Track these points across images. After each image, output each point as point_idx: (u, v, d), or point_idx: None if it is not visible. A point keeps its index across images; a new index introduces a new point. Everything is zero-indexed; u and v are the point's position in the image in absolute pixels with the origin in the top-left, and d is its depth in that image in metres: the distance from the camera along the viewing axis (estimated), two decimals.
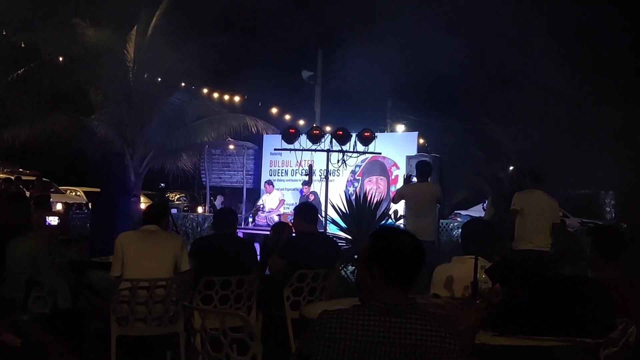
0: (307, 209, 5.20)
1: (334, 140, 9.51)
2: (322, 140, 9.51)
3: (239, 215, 13.93)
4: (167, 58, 15.59)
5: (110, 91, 15.33)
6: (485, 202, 9.67)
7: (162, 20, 15.35)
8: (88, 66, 14.72)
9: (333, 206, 8.61)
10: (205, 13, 16.79)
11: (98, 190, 10.71)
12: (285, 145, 9.68)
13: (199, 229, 13.49)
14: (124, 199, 9.48)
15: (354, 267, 7.75)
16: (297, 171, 13.21)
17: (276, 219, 10.83)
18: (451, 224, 12.71)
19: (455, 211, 17.89)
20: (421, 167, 7.60)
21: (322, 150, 9.66)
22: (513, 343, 2.50)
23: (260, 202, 12.22)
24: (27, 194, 11.73)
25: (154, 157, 15.88)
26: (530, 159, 17.39)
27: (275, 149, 11.41)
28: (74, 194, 20.13)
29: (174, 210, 14.19)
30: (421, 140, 15.27)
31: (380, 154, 10.84)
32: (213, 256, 4.59)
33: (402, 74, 19.46)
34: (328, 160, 9.70)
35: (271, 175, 13.68)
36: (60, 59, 15.05)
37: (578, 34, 17.45)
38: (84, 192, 19.79)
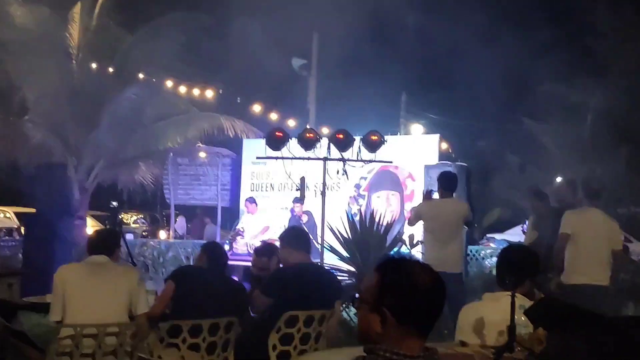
0: (298, 234, 5.31)
1: (332, 146, 9.61)
2: (318, 145, 9.59)
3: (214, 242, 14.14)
4: (120, 42, 15.65)
5: (49, 85, 15.33)
6: (525, 224, 9.70)
7: None
8: (19, 54, 14.72)
9: (332, 230, 8.80)
10: None
11: (33, 211, 10.67)
12: (271, 153, 9.77)
13: (161, 259, 13.63)
14: (65, 222, 9.46)
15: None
16: (285, 185, 13.35)
17: None
18: (482, 252, 12.87)
19: (488, 235, 17.92)
20: (444, 180, 7.69)
21: (318, 159, 9.73)
22: None
23: (239, 226, 12.28)
24: None
25: (105, 168, 15.84)
26: (583, 169, 17.41)
27: (258, 157, 11.35)
28: (2, 215, 20.10)
29: (129, 236, 14.26)
30: (444, 145, 15.45)
31: (391, 162, 11.00)
32: (194, 293, 4.74)
33: (419, 61, 19.61)
34: (325, 171, 9.76)
35: (253, 191, 13.79)
36: None
37: None
38: (15, 213, 19.68)
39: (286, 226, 11.84)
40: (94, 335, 4.19)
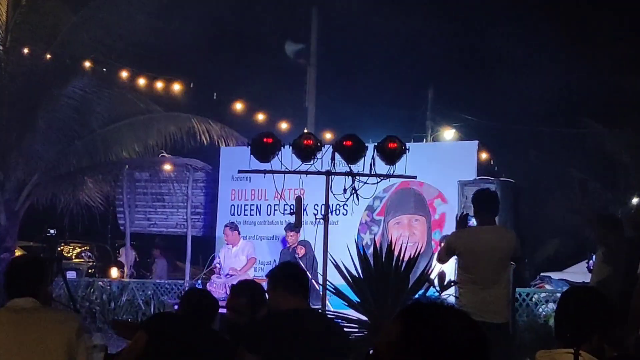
0: (293, 272, 5.32)
1: (337, 156, 9.51)
2: (319, 156, 9.49)
3: (181, 282, 14.13)
4: (61, 23, 15.63)
5: None
6: (592, 258, 9.65)
7: None
8: None
9: (337, 266, 8.62)
10: None
11: None
12: (258, 165, 9.70)
13: (112, 304, 13.52)
14: None
15: None
16: (276, 208, 13.32)
17: None
18: (535, 296, 12.74)
19: (542, 274, 17.76)
20: (481, 200, 7.68)
21: (319, 173, 9.60)
22: None
23: (216, 260, 12.26)
24: None
25: (40, 184, 15.81)
26: None
27: (240, 171, 11.28)
28: None
29: (71, 274, 14.27)
30: (484, 155, 15.35)
31: (415, 178, 10.79)
32: (168, 349, 4.87)
33: (451, 45, 19.58)
34: (328, 189, 9.61)
35: (234, 215, 13.71)
36: None
37: None
38: None
39: (277, 261, 11.98)
40: None
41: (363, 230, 13.10)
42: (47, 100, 15.62)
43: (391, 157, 9.44)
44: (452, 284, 8.02)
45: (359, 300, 8.45)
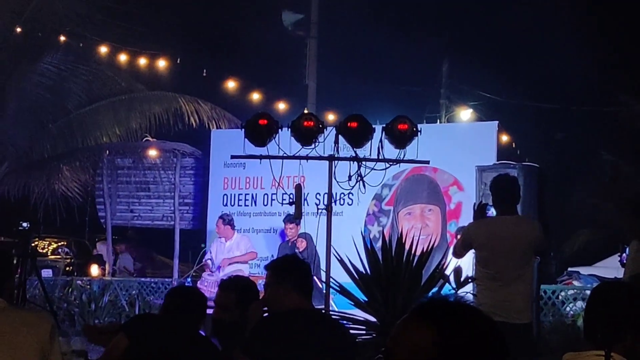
0: (295, 266, 5.29)
1: (341, 140, 9.51)
2: (321, 139, 9.53)
3: (169, 281, 14.06)
4: None
5: None
6: (625, 251, 9.63)
7: None
8: None
9: (341, 261, 8.58)
10: None
11: None
12: (253, 150, 9.76)
13: (92, 305, 13.45)
14: None
15: None
16: (274, 197, 13.32)
17: None
18: (562, 293, 12.77)
19: (570, 269, 17.77)
20: (500, 187, 7.65)
21: (321, 158, 9.66)
22: None
23: (207, 256, 12.24)
24: None
25: (11, 173, 15.82)
26: None
27: (233, 157, 11.40)
28: None
29: (46, 272, 14.16)
30: (505, 137, 15.32)
31: (428, 163, 10.88)
32: (150, 352, 4.89)
33: (469, 15, 19.48)
34: (332, 176, 9.65)
35: (227, 206, 13.69)
36: None
37: None
38: None
39: (274, 257, 11.91)
40: None
41: (370, 222, 13.09)
42: (17, 79, 15.60)
43: (401, 139, 9.43)
44: (470, 280, 8.01)
45: (366, 300, 8.39)
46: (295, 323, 4.95)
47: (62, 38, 16.28)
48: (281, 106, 18.09)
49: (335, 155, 9.60)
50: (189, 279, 12.31)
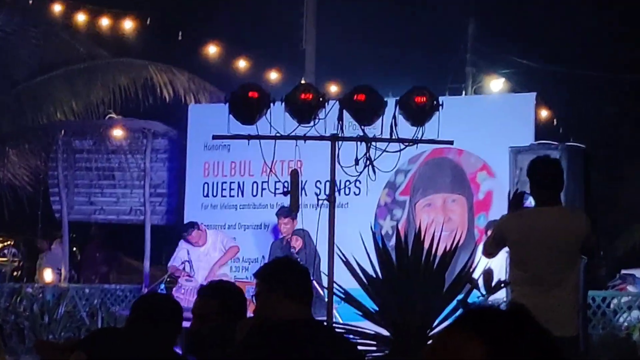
0: (295, 270, 5.28)
1: (346, 116, 9.60)
2: (321, 115, 9.56)
3: (138, 288, 14.24)
4: None
5: None
6: None
7: None
8: None
9: (347, 263, 8.65)
10: None
11: None
12: (239, 129, 9.87)
13: (45, 317, 13.30)
14: None
15: None
16: (265, 186, 13.34)
17: None
18: (614, 301, 12.81)
19: (624, 271, 17.89)
20: (543, 174, 7.57)
21: (322, 138, 9.70)
22: None
23: (181, 259, 12.27)
24: None
25: None
26: None
27: (215, 137, 11.39)
28: None
29: None
30: (544, 112, 15.48)
31: (451, 144, 10.87)
32: None
33: None
34: (335, 159, 9.66)
35: (208, 196, 13.86)
36: None
37: None
38: None
39: (266, 258, 12.32)
40: None
41: (382, 215, 13.17)
42: None
43: (419, 115, 9.48)
44: (503, 285, 8.00)
45: (377, 309, 8.53)
46: (291, 335, 4.94)
47: None
48: (273, 76, 18.39)
49: (339, 135, 9.72)
50: (162, 286, 12.21)
